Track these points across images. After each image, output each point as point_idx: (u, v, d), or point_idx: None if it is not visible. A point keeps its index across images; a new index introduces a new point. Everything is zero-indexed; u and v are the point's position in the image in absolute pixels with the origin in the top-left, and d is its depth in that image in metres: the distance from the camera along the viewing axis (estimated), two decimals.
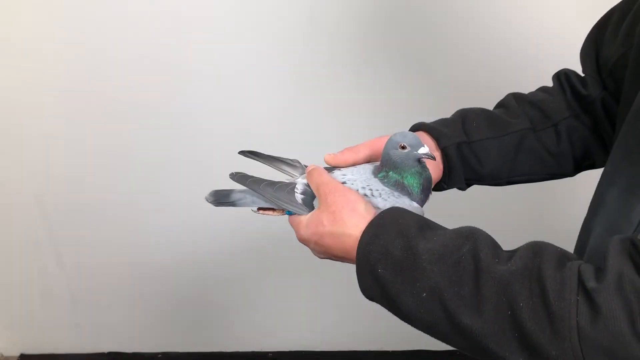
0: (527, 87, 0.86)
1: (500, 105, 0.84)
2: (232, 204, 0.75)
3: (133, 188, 1.49)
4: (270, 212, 0.75)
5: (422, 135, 0.79)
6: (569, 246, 0.64)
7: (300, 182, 0.73)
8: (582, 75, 0.82)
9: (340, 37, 1.35)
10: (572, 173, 0.83)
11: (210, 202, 0.75)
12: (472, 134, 0.79)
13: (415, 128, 0.81)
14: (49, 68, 1.36)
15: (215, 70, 1.38)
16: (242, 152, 0.77)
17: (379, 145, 0.74)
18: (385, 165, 0.71)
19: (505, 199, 1.34)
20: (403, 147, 0.69)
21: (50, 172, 1.47)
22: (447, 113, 0.83)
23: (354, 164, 0.75)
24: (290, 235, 0.73)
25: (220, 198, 0.75)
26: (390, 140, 0.71)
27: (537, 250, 0.57)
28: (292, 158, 0.77)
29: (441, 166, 0.79)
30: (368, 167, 0.74)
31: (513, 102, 0.83)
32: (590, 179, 0.76)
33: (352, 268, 0.65)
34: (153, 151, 1.44)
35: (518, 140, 0.80)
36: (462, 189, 0.82)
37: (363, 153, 0.75)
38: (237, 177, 0.75)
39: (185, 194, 1.35)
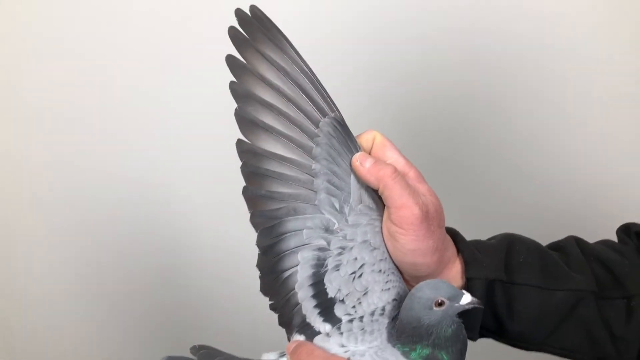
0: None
1: (557, 247, 0.61)
2: None
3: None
4: None
5: (454, 262, 0.57)
6: None
7: None
8: None
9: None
10: None
11: None
12: (515, 273, 0.57)
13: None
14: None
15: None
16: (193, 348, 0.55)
17: None
18: (411, 332, 0.50)
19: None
20: (441, 304, 0.49)
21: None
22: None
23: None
24: None
25: None
26: (416, 298, 0.50)
27: None
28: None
29: None
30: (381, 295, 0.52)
31: (576, 249, 0.60)
32: None
33: None
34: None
35: (573, 303, 0.57)
36: (472, 338, 0.59)
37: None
38: (201, 355, 0.54)
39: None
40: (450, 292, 0.50)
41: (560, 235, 0.63)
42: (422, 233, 0.51)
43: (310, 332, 0.53)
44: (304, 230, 0.52)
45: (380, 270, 0.53)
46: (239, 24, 0.51)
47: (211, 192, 1.17)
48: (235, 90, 0.51)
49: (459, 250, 0.57)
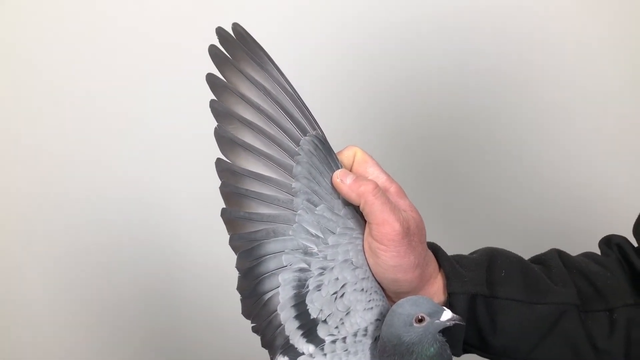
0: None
1: (540, 260, 0.61)
2: None
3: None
4: None
5: (436, 277, 0.56)
6: None
7: None
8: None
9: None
10: None
11: None
12: (497, 287, 0.56)
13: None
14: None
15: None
16: None
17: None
18: (392, 351, 0.49)
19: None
20: (420, 320, 0.48)
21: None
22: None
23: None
24: None
25: None
26: (396, 314, 0.49)
27: None
28: None
29: None
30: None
31: (558, 262, 0.60)
32: None
33: None
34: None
35: (556, 316, 0.57)
36: (456, 354, 0.58)
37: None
38: None
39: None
40: (430, 308, 0.49)
41: (544, 246, 0.63)
42: (403, 249, 0.51)
43: (293, 354, 0.52)
44: (284, 253, 0.51)
45: (362, 289, 0.52)
46: (220, 42, 0.51)
47: (203, 199, 1.16)
48: (216, 108, 0.51)
49: (440, 265, 0.56)
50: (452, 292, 0.55)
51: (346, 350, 0.51)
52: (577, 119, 1.00)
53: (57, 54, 1.15)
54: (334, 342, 0.51)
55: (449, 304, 0.55)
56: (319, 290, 0.52)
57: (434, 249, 0.58)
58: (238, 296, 0.53)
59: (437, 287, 0.56)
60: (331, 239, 0.52)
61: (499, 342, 0.57)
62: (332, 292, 0.52)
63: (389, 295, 0.55)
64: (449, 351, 0.51)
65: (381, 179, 0.53)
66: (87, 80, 1.15)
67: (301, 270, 0.51)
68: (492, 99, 1.02)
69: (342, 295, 0.52)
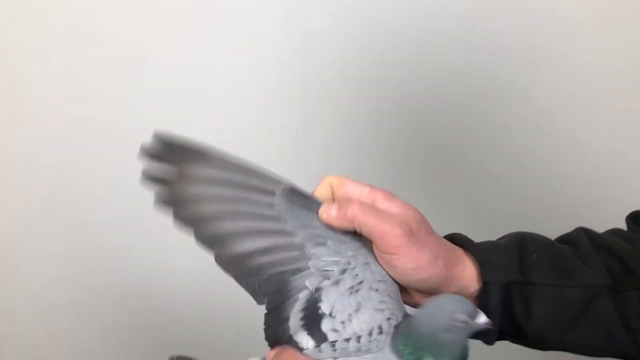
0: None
1: (567, 240, 0.60)
2: None
3: None
4: None
5: (464, 262, 0.55)
6: None
7: None
8: None
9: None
10: None
11: None
12: (530, 273, 0.55)
13: (451, 239, 0.57)
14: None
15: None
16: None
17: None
18: (418, 346, 0.49)
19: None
20: (461, 321, 0.48)
21: None
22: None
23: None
24: None
25: None
26: (440, 309, 0.49)
27: None
28: None
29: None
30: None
31: (586, 242, 0.59)
32: None
33: None
34: None
35: (588, 299, 0.56)
36: (489, 342, 0.57)
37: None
38: None
39: None
40: (471, 309, 0.49)
41: (567, 227, 0.62)
42: (415, 249, 0.51)
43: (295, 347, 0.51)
44: (306, 280, 0.52)
45: (377, 290, 0.51)
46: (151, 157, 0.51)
47: None
48: (183, 218, 0.50)
49: (469, 254, 0.56)
50: (486, 281, 0.54)
51: (359, 350, 0.50)
52: (597, 92, 1.00)
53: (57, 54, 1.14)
54: (347, 340, 0.50)
55: (484, 292, 0.54)
56: (337, 285, 0.51)
57: (459, 238, 0.58)
58: (239, 295, 0.53)
59: (468, 276, 0.55)
60: (350, 253, 0.52)
61: (533, 328, 0.56)
62: (349, 286, 0.51)
63: (423, 296, 0.54)
64: (468, 353, 0.51)
65: (364, 193, 0.53)
66: (87, 80, 1.15)
67: (323, 276, 0.52)
68: (507, 77, 1.01)
69: (357, 291, 0.51)
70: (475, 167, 1.06)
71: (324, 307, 0.51)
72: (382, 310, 0.51)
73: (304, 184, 0.53)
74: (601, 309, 0.56)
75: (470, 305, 0.49)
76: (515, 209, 1.04)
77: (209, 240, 0.51)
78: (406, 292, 0.54)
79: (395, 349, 0.50)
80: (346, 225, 0.51)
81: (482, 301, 0.55)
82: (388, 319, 0.51)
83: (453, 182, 1.06)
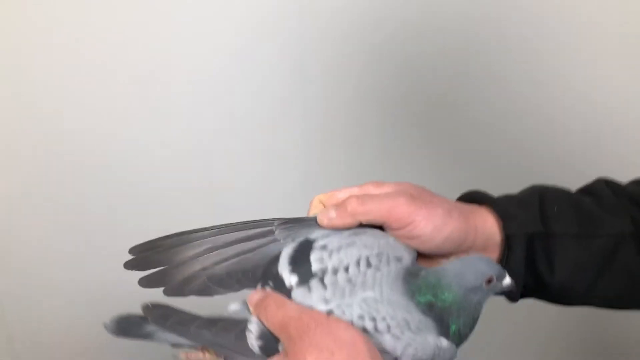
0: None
1: (588, 191, 0.59)
2: (145, 337, 0.51)
3: None
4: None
5: (481, 212, 0.54)
6: None
7: (255, 321, 0.49)
8: None
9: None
10: None
11: (110, 332, 0.51)
12: (552, 224, 0.54)
13: (468, 198, 0.56)
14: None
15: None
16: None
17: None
18: (442, 295, 0.48)
19: None
20: (489, 281, 0.49)
21: None
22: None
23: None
24: None
25: (126, 329, 0.51)
26: (471, 268, 0.49)
27: None
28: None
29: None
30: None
31: (607, 192, 0.58)
32: None
33: None
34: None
35: (612, 248, 0.55)
36: (513, 299, 0.56)
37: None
38: (154, 315, 0.50)
39: None
40: (499, 271, 0.49)
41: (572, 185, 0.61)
42: (425, 210, 0.50)
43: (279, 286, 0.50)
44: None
45: (377, 239, 0.51)
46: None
47: (204, 193, 1.14)
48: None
49: (489, 208, 0.54)
50: (510, 234, 0.53)
51: (350, 281, 0.48)
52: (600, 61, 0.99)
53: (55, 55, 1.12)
54: (335, 272, 0.49)
55: (508, 247, 0.53)
56: (335, 234, 0.51)
57: (476, 194, 0.56)
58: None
59: (490, 225, 0.54)
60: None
61: (557, 281, 0.55)
62: (347, 234, 0.51)
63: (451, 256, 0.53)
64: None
65: (354, 191, 0.53)
66: (87, 80, 1.13)
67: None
68: (509, 52, 1.00)
69: (353, 243, 0.50)
70: (481, 123, 1.06)
71: (317, 244, 0.50)
72: (371, 247, 0.50)
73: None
74: (626, 258, 0.55)
75: (498, 266, 0.49)
76: (530, 166, 1.03)
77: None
78: (436, 262, 0.53)
79: (406, 287, 0.49)
80: (349, 222, 0.50)
81: (505, 257, 0.54)
82: (378, 254, 0.49)
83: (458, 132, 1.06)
